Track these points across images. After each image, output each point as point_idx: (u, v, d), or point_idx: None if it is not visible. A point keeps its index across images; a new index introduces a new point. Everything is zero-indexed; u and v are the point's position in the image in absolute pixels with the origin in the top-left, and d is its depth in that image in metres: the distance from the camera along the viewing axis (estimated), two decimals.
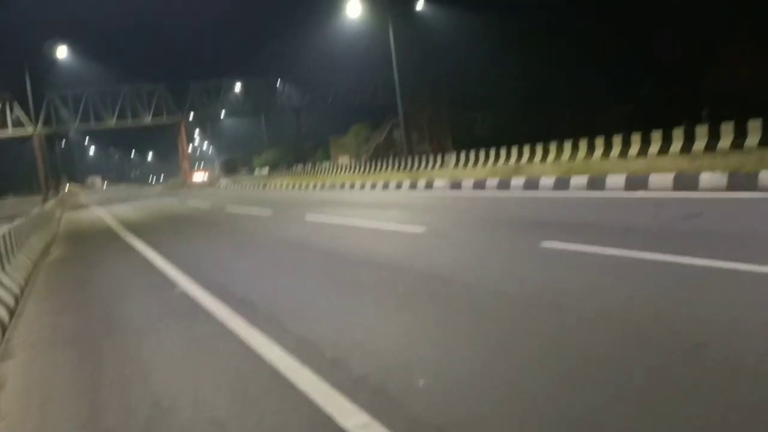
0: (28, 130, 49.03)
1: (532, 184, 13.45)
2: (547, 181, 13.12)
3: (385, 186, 19.47)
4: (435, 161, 32.51)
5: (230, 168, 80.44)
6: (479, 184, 14.90)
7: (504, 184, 14.24)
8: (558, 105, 41.05)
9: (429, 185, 17.20)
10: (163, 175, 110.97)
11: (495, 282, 5.91)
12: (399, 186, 18.67)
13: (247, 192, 32.12)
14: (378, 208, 14.05)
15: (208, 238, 13.00)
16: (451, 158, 31.52)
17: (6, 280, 8.15)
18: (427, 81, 55.58)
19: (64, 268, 10.88)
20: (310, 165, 60.54)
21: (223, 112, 65.19)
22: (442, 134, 60.66)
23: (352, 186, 21.89)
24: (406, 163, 35.05)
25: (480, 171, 19.31)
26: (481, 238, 8.59)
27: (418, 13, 44.72)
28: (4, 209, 51.81)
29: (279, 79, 64.71)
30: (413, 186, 17.94)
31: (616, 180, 11.55)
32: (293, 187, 28.08)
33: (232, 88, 63.11)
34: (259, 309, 5.98)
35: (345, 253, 8.68)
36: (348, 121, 69.94)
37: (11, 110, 48.65)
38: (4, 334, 6.19)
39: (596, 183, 11.89)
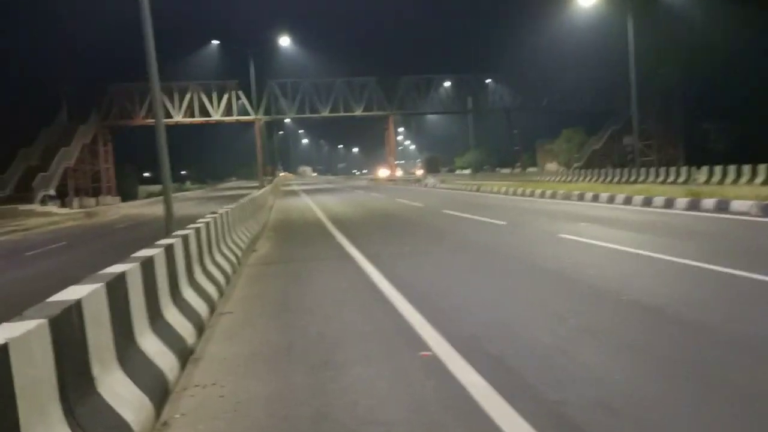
0: (251, 116, 51.25)
1: None
2: None
3: (647, 202, 15.29)
4: (678, 174, 28.29)
5: (432, 166, 79.38)
6: None
7: None
8: None
9: (722, 206, 12.83)
10: (365, 170, 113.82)
11: None
12: (670, 204, 14.43)
13: (460, 194, 29.29)
14: (668, 235, 10.24)
15: (438, 251, 10.20)
16: (700, 172, 26.81)
17: (192, 299, 5.91)
18: (658, 84, 48.93)
19: (267, 278, 8.68)
20: (519, 169, 56.70)
21: (431, 108, 63.41)
22: (672, 145, 53.61)
23: (595, 198, 17.91)
24: (640, 175, 30.61)
25: None
26: None
27: (661, 2, 38.83)
28: (225, 191, 55.29)
29: (490, 78, 61.38)
30: (693, 206, 13.63)
31: None
32: (513, 192, 24.62)
33: (441, 84, 61.12)
34: None
35: (678, 314, 5.24)
36: (558, 125, 64.79)
37: (237, 98, 51.18)
38: (160, 409, 3.74)
39: None
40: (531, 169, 58.54)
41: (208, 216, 8.78)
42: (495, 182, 33.23)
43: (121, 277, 4.00)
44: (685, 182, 26.33)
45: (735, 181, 24.01)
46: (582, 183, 31.19)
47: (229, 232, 10.10)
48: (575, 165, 54.13)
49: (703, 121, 50.65)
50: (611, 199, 16.97)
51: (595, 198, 17.87)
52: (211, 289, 6.77)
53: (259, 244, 12.63)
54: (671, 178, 28.50)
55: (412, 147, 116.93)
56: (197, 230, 7.14)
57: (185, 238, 6.38)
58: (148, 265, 4.73)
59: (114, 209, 36.20)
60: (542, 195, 21.64)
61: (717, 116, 48.33)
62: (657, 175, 29.83)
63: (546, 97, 59.89)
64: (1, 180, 35.42)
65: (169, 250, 5.52)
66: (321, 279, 8.24)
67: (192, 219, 8.55)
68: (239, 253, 9.84)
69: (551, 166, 59.25)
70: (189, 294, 5.95)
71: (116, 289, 3.83)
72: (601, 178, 33.50)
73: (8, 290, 9.74)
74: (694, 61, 46.91)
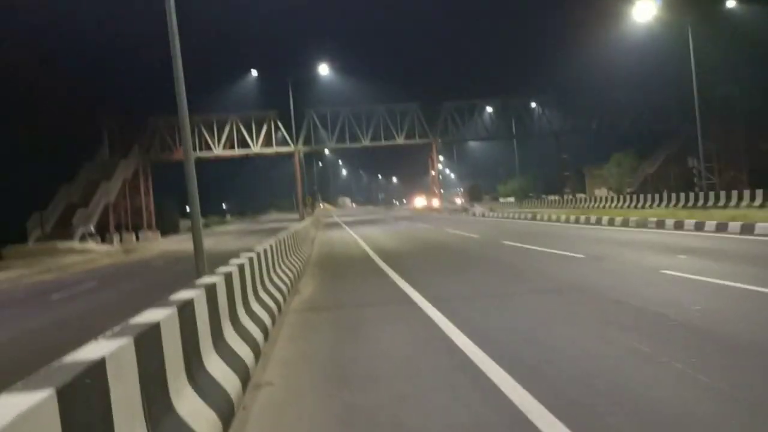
0: (290, 147, 50.37)
1: None
2: None
3: (747, 229, 13.28)
4: (752, 197, 26.45)
5: (475, 195, 77.51)
6: None
7: None
8: None
9: None
10: (404, 199, 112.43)
11: None
12: None
13: (514, 222, 27.45)
14: None
15: (516, 292, 8.52)
16: None
17: (219, 371, 4.41)
18: (718, 103, 46.43)
19: (315, 331, 7.13)
20: (570, 196, 54.31)
21: (474, 134, 61.49)
22: (733, 167, 50.80)
23: (678, 225, 15.90)
24: (709, 199, 28.51)
25: None
26: None
27: (724, 14, 36.74)
28: (266, 224, 54.34)
29: (536, 101, 59.36)
30: None
31: None
32: (576, 219, 22.72)
33: (485, 108, 59.30)
34: None
35: None
36: (606, 149, 62.16)
37: (277, 128, 50.40)
38: None
39: None
40: (579, 195, 56.25)
41: (244, 255, 7.35)
42: (552, 210, 31.38)
43: (98, 366, 2.51)
44: (762, 206, 24.49)
45: None
46: (656, 209, 29.13)
47: (268, 272, 8.66)
48: (628, 190, 51.68)
49: (762, 141, 48.19)
50: (700, 227, 15.01)
51: (678, 225, 15.91)
52: (245, 353, 5.25)
53: (303, 283, 11.17)
54: (745, 202, 26.62)
55: (452, 175, 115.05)
56: (227, 276, 5.67)
57: (211, 288, 4.91)
58: (151, 336, 3.25)
59: (153, 245, 35.44)
60: (611, 222, 19.69)
61: None
62: (728, 199, 27.86)
63: (596, 120, 57.45)
64: (42, 217, 35.04)
65: (186, 308, 4.05)
66: (381, 333, 6.66)
67: (228, 256, 7.22)
68: (280, 299, 8.35)
69: (601, 191, 56.75)
70: (214, 364, 4.45)
71: (92, 384, 2.36)
72: (665, 203, 31.45)
73: (16, 346, 8.43)
74: (756, 79, 44.44)
